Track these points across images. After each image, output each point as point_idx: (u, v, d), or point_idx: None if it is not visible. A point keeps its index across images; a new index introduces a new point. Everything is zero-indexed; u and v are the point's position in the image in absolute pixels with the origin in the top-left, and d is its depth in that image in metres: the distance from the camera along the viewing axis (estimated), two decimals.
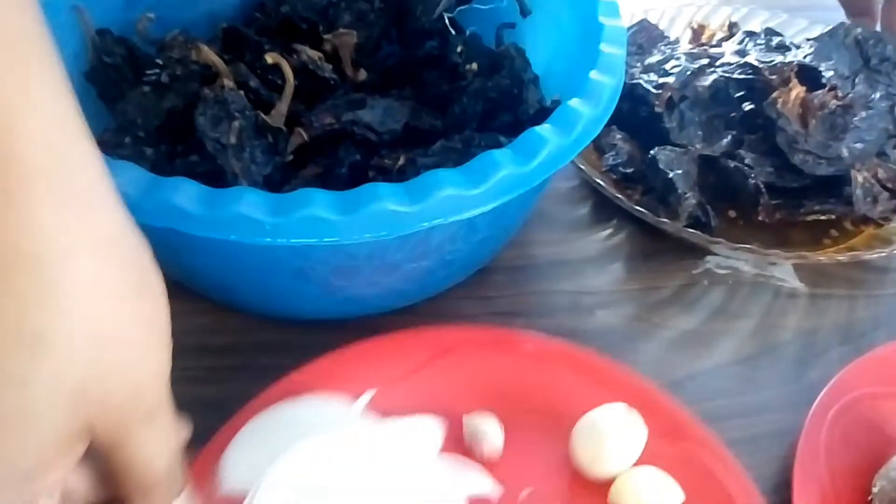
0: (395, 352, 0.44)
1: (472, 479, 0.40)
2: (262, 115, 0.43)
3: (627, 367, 0.44)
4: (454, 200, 0.37)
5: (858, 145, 0.53)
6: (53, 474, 0.27)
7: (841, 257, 0.51)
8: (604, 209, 0.56)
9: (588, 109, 0.41)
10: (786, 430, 0.44)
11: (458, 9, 0.51)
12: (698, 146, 0.55)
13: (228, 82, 0.43)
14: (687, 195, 0.52)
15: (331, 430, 0.37)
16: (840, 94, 0.54)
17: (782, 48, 0.59)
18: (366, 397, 0.43)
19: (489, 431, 0.41)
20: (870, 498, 0.41)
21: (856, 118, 0.54)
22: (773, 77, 0.55)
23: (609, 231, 0.55)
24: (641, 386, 0.43)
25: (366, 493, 0.37)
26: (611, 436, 0.40)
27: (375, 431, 0.40)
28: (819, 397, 0.44)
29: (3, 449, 0.25)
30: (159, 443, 0.29)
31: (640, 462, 0.40)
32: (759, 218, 0.53)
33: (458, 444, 0.42)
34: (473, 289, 0.50)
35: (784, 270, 0.54)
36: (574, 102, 0.41)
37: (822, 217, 0.54)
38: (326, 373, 0.42)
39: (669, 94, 0.55)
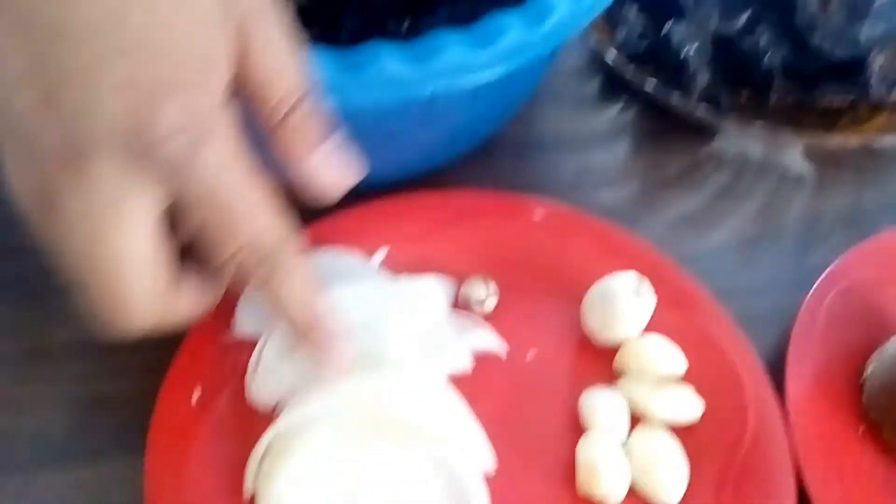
0: (404, 213, 0.44)
1: (479, 335, 0.40)
2: None
3: (637, 237, 0.44)
4: (460, 63, 0.36)
5: (879, 29, 0.52)
6: (216, 77, 0.29)
7: (852, 142, 0.50)
8: (613, 87, 0.55)
9: None
10: (784, 311, 0.44)
11: None
12: (714, 24, 0.53)
13: None
14: (700, 73, 0.51)
15: (342, 282, 0.37)
16: None
17: None
18: (379, 254, 0.43)
19: (488, 294, 0.42)
20: (862, 380, 0.42)
21: (877, 1, 0.52)
22: None
23: (617, 109, 0.55)
24: (652, 256, 0.43)
25: (373, 343, 0.37)
26: (620, 303, 0.40)
27: (386, 286, 0.40)
28: (819, 280, 0.45)
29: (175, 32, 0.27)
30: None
31: (647, 330, 0.41)
32: (772, 101, 0.52)
33: (463, 307, 0.42)
34: (478, 163, 0.49)
35: (792, 154, 0.53)
36: None
37: (836, 103, 0.53)
38: (337, 230, 0.42)
39: None
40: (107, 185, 0.27)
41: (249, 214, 0.30)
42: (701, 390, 0.39)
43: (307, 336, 0.34)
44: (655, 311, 0.41)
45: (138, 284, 0.29)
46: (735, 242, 0.49)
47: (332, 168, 0.33)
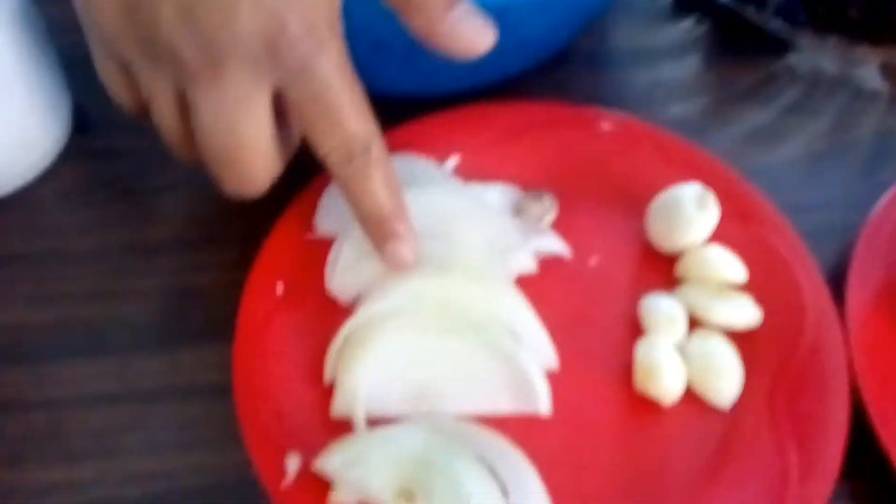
0: (475, 123, 0.45)
1: (543, 239, 0.42)
2: None
3: (703, 149, 0.45)
4: None
5: None
6: None
7: None
8: (686, 0, 0.54)
9: None
10: (849, 228, 0.44)
11: None
12: None
13: None
14: None
15: (415, 187, 0.39)
16: None
17: None
18: (451, 162, 0.44)
19: (545, 211, 0.43)
20: None
21: None
22: None
23: (690, 23, 0.54)
24: (718, 168, 0.44)
25: (443, 245, 0.39)
26: (685, 213, 0.41)
27: (457, 192, 0.42)
28: (885, 197, 0.45)
29: None
30: None
31: (709, 241, 0.42)
32: (849, 15, 0.51)
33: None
34: (549, 76, 0.50)
35: (868, 71, 0.52)
36: None
37: None
38: (411, 138, 0.44)
39: None
40: (238, 86, 0.33)
41: (349, 115, 0.35)
42: (760, 299, 0.41)
43: (383, 232, 0.37)
44: (719, 222, 0.42)
45: (262, 162, 0.35)
46: (803, 157, 0.49)
47: (471, 26, 0.37)
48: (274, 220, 0.42)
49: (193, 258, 0.44)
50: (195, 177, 0.46)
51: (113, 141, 0.48)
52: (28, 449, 0.38)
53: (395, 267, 0.38)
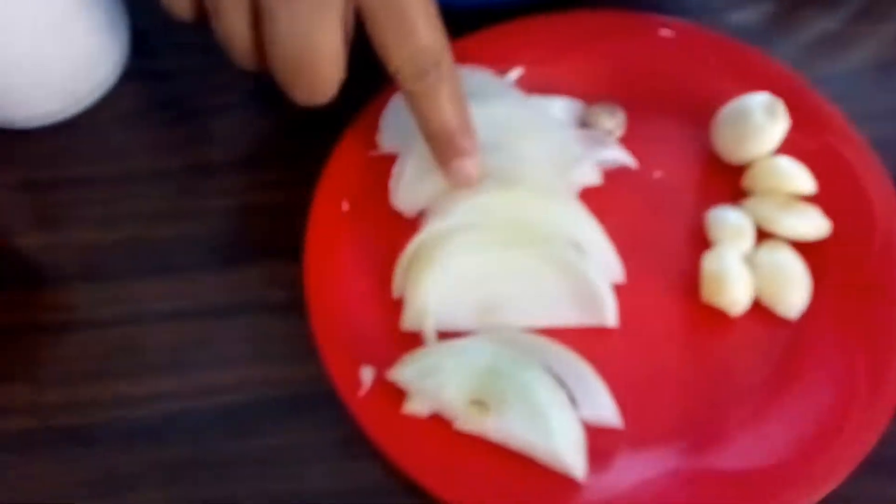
0: (535, 35, 0.44)
1: (607, 150, 0.42)
2: None
3: (769, 57, 0.44)
4: None
5: None
6: None
7: None
8: None
9: None
10: None
11: None
12: None
13: None
14: None
15: (478, 100, 0.39)
16: None
17: None
18: (513, 74, 0.44)
19: (615, 125, 0.43)
20: None
21: None
22: None
23: None
24: (786, 76, 0.43)
25: (507, 159, 0.39)
26: (753, 123, 0.40)
27: (519, 104, 0.41)
28: None
29: None
30: None
31: (777, 151, 0.41)
32: None
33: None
34: None
35: None
36: None
37: None
38: (471, 51, 0.43)
39: None
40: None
41: (423, 26, 0.34)
42: (829, 211, 0.40)
43: (450, 148, 0.37)
44: (787, 132, 0.41)
45: (333, 68, 0.35)
46: (872, 65, 0.47)
47: None
48: (335, 138, 0.42)
49: (256, 178, 0.44)
50: (254, 97, 0.47)
51: (171, 62, 0.48)
52: (108, 364, 0.39)
53: (460, 184, 0.38)
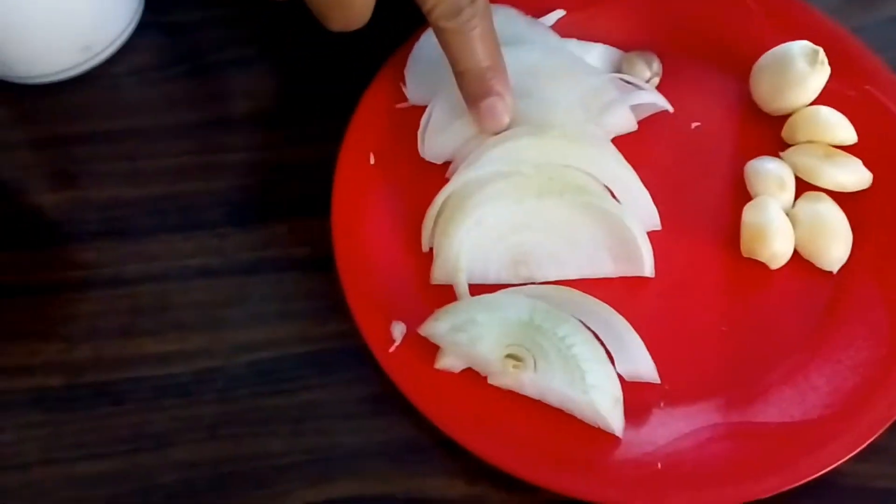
0: None
1: (644, 94, 0.40)
2: None
3: (811, 6, 0.43)
4: None
5: None
6: None
7: None
8: None
9: None
10: None
11: None
12: None
13: None
14: None
15: (514, 44, 0.38)
16: None
17: None
18: (552, 17, 0.43)
19: (652, 74, 0.41)
20: None
21: None
22: None
23: None
24: (825, 25, 0.42)
25: (541, 104, 0.38)
26: (794, 71, 0.39)
27: (555, 49, 0.40)
28: None
29: None
30: None
31: (818, 101, 0.40)
32: None
33: None
34: None
35: None
36: None
37: None
38: None
39: None
40: None
41: None
42: (870, 161, 0.39)
43: (481, 89, 0.36)
44: (827, 81, 0.40)
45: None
46: None
47: None
48: (359, 91, 0.41)
49: (279, 132, 0.43)
50: (269, 49, 0.46)
51: (187, 15, 0.47)
52: (139, 321, 0.39)
53: (489, 126, 0.37)
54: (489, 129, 0.37)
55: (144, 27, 0.46)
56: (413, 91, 0.41)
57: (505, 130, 0.37)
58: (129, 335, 0.38)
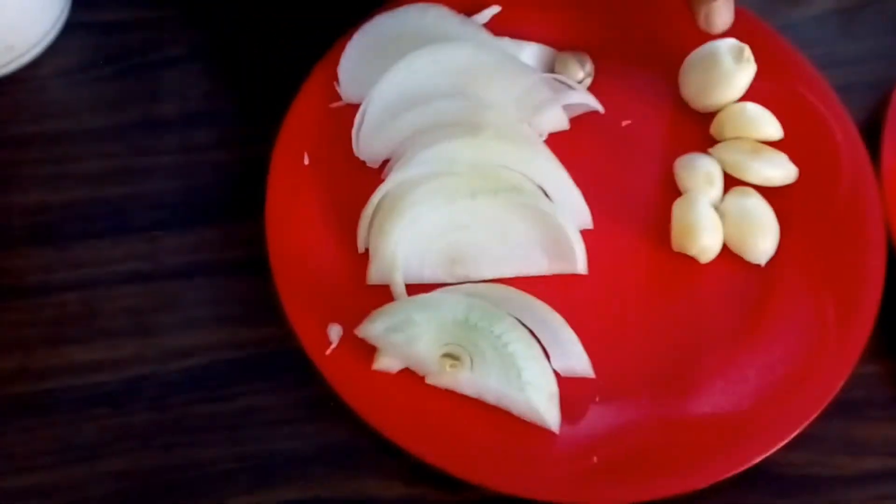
0: None
1: (575, 94, 0.41)
2: None
3: (737, 4, 0.43)
4: None
5: None
6: None
7: None
8: None
9: None
10: (883, 81, 0.43)
11: None
12: None
13: None
14: None
15: (445, 39, 0.38)
16: None
17: None
18: (483, 15, 0.42)
19: (585, 75, 0.42)
20: None
21: None
22: None
23: None
24: (751, 23, 0.42)
25: (473, 105, 0.38)
26: (721, 68, 0.40)
27: (487, 48, 0.40)
28: None
29: None
30: None
31: (744, 98, 0.41)
32: None
33: None
34: None
35: None
36: None
37: None
38: None
39: None
40: None
41: None
42: (796, 156, 0.40)
43: None
44: (754, 78, 0.41)
45: None
46: (835, 11, 0.47)
47: None
48: (293, 91, 0.41)
49: (211, 133, 0.42)
50: (202, 49, 0.45)
51: (115, 14, 0.46)
52: (66, 330, 0.38)
53: (717, 26, 0.37)
54: (717, 29, 0.37)
55: (72, 27, 0.45)
56: (347, 89, 0.40)
57: None
58: (56, 344, 0.37)
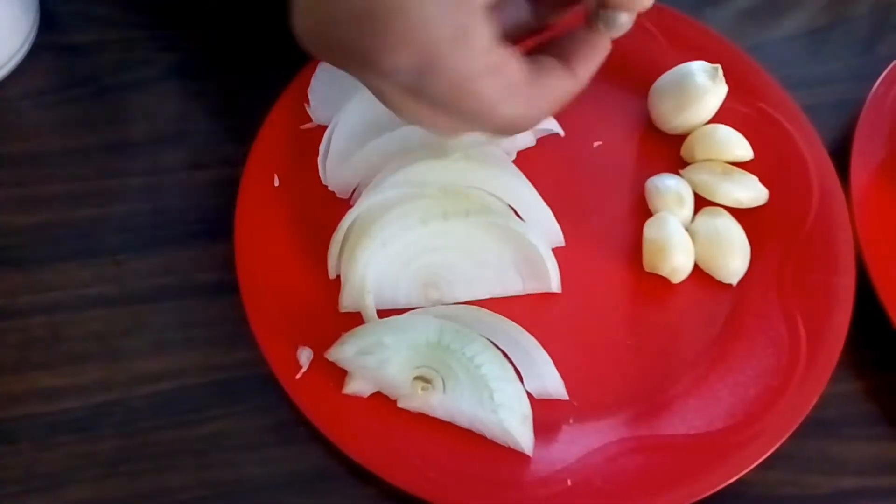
0: None
1: None
2: None
3: (706, 27, 0.44)
4: None
5: None
6: None
7: None
8: None
9: None
10: (851, 101, 0.44)
11: None
12: None
13: None
14: None
15: None
16: None
17: None
18: None
19: None
20: None
21: None
22: None
23: None
24: (720, 45, 0.43)
25: None
26: (692, 90, 0.40)
27: None
28: (887, 70, 0.44)
29: None
30: None
31: (714, 119, 0.41)
32: None
33: None
34: None
35: None
36: None
37: None
38: None
39: None
40: None
41: None
42: (766, 176, 0.40)
43: None
44: (724, 100, 0.41)
45: None
46: (803, 33, 0.48)
47: None
48: (263, 113, 0.40)
49: (180, 155, 0.42)
50: (171, 71, 0.45)
51: (84, 36, 0.46)
52: (31, 355, 0.37)
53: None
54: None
55: (39, 49, 0.45)
56: (317, 111, 0.40)
57: None
58: (20, 370, 0.36)
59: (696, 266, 0.38)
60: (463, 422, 0.34)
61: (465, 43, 0.28)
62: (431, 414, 0.34)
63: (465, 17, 0.28)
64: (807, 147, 0.41)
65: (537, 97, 0.31)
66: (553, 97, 0.32)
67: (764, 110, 0.42)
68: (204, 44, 0.45)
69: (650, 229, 0.38)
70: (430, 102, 0.29)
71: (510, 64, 0.30)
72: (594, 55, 0.33)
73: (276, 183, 0.39)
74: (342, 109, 0.38)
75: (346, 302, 0.37)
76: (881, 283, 0.38)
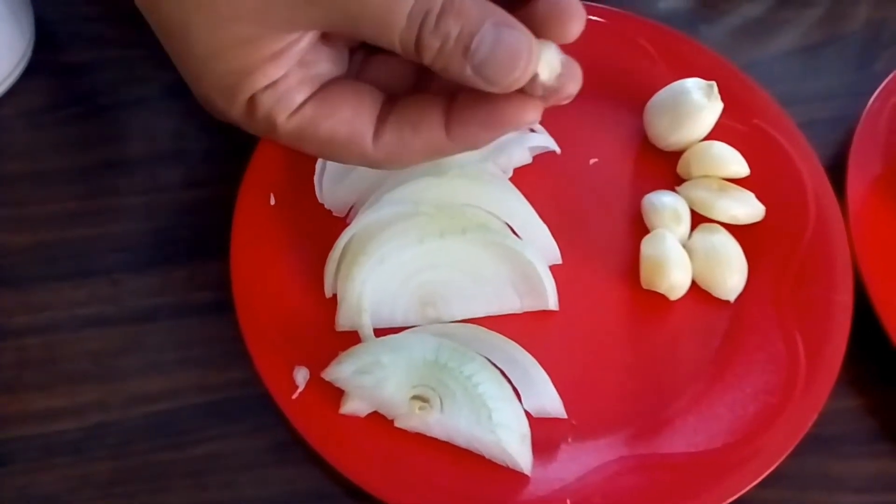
0: None
1: (536, 137, 0.41)
2: None
3: (701, 43, 0.44)
4: None
5: None
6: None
7: None
8: None
9: None
10: (846, 117, 0.44)
11: None
12: None
13: None
14: None
15: None
16: None
17: None
18: None
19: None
20: None
21: None
22: None
23: None
24: (716, 62, 0.43)
25: None
26: (688, 107, 0.40)
27: None
28: (881, 86, 0.44)
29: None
30: None
31: (710, 136, 0.41)
32: None
33: None
34: None
35: None
36: None
37: None
38: None
39: None
40: None
41: None
42: (762, 193, 0.40)
43: None
44: (719, 117, 0.41)
45: None
46: (798, 49, 0.48)
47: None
48: None
49: (176, 174, 0.42)
50: (168, 90, 0.45)
51: (79, 55, 0.46)
52: (26, 375, 0.36)
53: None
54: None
55: (35, 68, 0.45)
56: None
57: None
58: (14, 391, 0.36)
59: (693, 283, 0.38)
60: (461, 441, 0.34)
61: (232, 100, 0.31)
62: (429, 433, 0.34)
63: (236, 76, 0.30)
64: (803, 163, 0.41)
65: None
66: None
67: (759, 127, 0.42)
68: None
69: (647, 246, 0.38)
70: None
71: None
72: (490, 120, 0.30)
73: (273, 202, 0.39)
74: None
75: (343, 321, 0.36)
76: (879, 299, 0.38)
